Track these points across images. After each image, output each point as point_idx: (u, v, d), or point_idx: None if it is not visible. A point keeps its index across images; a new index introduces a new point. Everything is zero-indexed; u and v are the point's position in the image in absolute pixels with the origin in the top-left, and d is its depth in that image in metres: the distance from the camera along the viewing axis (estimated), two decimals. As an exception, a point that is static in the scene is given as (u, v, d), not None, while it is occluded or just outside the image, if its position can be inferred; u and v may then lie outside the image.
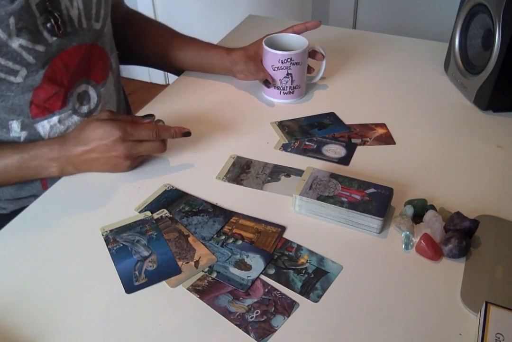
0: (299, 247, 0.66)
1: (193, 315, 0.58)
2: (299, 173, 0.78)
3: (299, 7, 2.03)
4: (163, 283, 0.62)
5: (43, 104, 0.78)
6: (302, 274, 0.63)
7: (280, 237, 0.68)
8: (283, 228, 0.69)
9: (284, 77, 0.92)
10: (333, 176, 0.72)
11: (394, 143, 0.85)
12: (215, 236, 0.68)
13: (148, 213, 0.71)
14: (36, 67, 0.74)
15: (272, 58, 0.91)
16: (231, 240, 0.67)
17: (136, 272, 0.63)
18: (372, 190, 0.69)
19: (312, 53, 0.96)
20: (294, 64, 0.90)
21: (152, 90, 2.45)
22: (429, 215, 0.67)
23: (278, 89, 0.94)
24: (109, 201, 0.74)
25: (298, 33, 0.95)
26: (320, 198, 0.68)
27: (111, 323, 0.57)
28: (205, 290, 0.61)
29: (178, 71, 1.05)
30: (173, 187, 0.76)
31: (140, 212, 0.71)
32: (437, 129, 0.88)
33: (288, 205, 0.72)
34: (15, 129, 0.78)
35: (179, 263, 0.64)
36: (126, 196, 0.74)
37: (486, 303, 0.55)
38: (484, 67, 0.88)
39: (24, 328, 0.57)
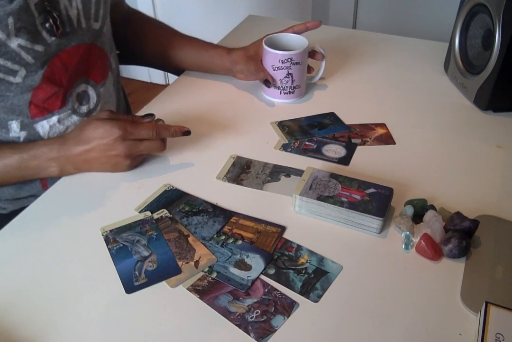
0: (299, 247, 0.66)
1: (193, 315, 0.58)
2: (299, 173, 0.78)
3: (299, 7, 2.03)
4: (163, 283, 0.62)
5: (42, 104, 0.78)
6: (302, 274, 0.63)
7: (280, 237, 0.68)
8: (283, 228, 0.69)
9: (285, 77, 0.92)
10: (333, 176, 0.72)
11: (394, 143, 0.85)
12: (215, 236, 0.68)
13: (148, 213, 0.71)
14: (35, 67, 0.74)
15: (272, 58, 0.90)
16: (231, 240, 0.67)
17: (136, 272, 0.63)
18: (372, 190, 0.69)
19: (312, 53, 0.96)
20: (294, 64, 0.90)
21: (152, 90, 2.45)
22: (429, 215, 0.67)
23: (278, 89, 0.94)
24: (109, 200, 0.74)
25: (298, 33, 0.95)
26: (320, 198, 0.68)
27: (111, 323, 0.57)
28: (205, 290, 0.61)
29: (178, 71, 1.05)
30: (173, 187, 0.76)
31: (140, 212, 0.71)
32: (437, 129, 0.88)
33: (288, 205, 0.72)
34: (15, 129, 0.78)
35: (179, 263, 0.64)
36: (126, 195, 0.74)
37: (486, 303, 0.55)
38: (484, 67, 0.88)
39: (24, 328, 0.57)
